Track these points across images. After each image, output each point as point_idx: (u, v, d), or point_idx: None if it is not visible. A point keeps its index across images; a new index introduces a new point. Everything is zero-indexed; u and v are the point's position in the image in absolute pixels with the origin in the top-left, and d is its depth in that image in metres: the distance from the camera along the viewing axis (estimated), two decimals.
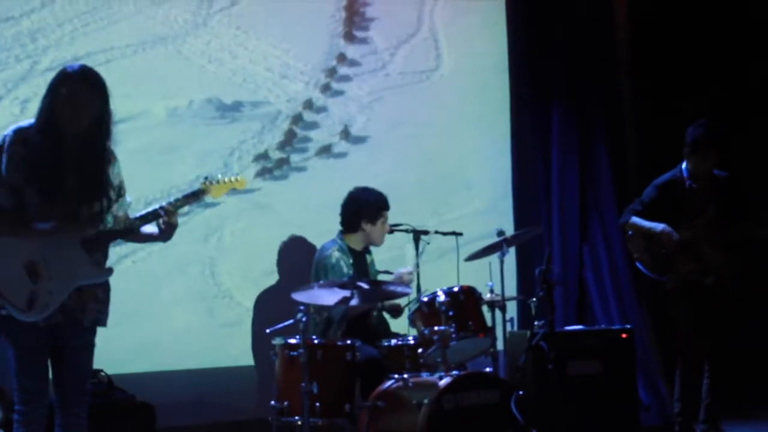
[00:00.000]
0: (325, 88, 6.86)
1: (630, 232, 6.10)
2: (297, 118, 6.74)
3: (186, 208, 4.34)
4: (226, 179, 4.28)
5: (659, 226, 5.92)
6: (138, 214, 4.14)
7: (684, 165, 5.99)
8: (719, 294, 5.84)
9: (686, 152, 5.96)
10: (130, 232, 4.15)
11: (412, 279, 5.62)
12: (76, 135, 4.02)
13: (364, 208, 5.76)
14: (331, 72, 6.90)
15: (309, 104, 6.81)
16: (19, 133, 4.00)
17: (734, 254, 5.90)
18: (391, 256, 6.30)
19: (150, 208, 4.13)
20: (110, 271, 4.12)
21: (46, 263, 3.95)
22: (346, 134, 6.89)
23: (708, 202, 5.92)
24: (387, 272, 5.89)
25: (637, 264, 6.11)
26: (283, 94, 6.72)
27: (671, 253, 5.89)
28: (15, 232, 3.93)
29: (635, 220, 6.04)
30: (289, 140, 6.71)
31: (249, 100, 6.60)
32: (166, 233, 4.13)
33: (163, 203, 4.14)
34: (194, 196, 4.22)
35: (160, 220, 4.11)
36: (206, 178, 4.27)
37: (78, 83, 4.01)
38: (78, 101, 3.98)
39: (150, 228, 4.17)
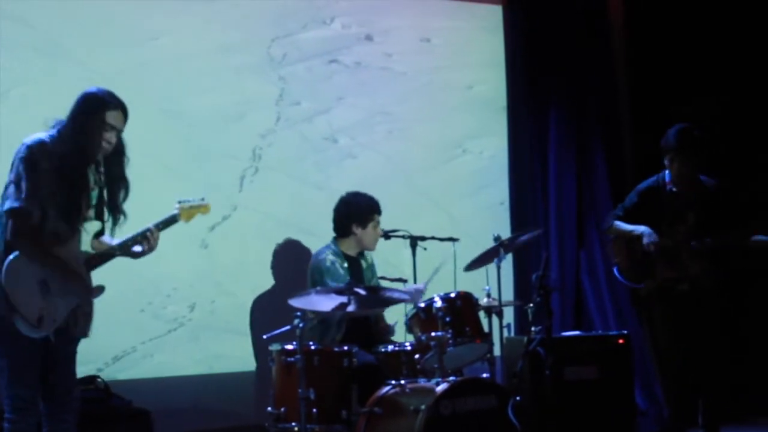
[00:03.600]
0: (321, 91, 6.84)
1: (612, 237, 6.10)
2: (287, 121, 6.72)
3: None
4: (194, 204, 4.48)
5: (640, 228, 5.91)
6: (128, 236, 4.31)
7: (666, 170, 5.97)
8: (694, 301, 5.81)
9: (664, 157, 5.93)
10: (122, 253, 4.33)
11: (422, 297, 5.60)
12: (97, 157, 4.21)
13: (354, 212, 5.77)
14: (326, 74, 6.87)
15: (303, 107, 6.80)
16: (42, 145, 4.10)
17: (713, 263, 5.86)
18: (387, 262, 6.31)
19: (138, 231, 4.31)
20: (103, 289, 4.27)
21: (54, 280, 4.06)
22: (340, 138, 6.89)
23: (689, 208, 5.88)
24: (384, 278, 5.89)
25: (614, 269, 6.10)
26: (275, 98, 6.70)
27: (651, 258, 5.88)
28: (40, 256, 4.05)
29: (617, 223, 6.03)
30: (283, 141, 6.70)
31: (235, 104, 6.58)
32: (146, 253, 4.35)
33: (150, 226, 4.33)
34: (171, 220, 4.42)
35: (144, 242, 4.30)
36: (179, 202, 4.46)
37: (120, 117, 4.22)
38: (117, 132, 4.21)
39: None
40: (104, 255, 4.27)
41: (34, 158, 4.05)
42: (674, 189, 5.90)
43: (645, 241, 5.85)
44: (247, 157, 6.54)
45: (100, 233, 4.31)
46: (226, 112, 6.53)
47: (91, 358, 5.94)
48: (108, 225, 4.30)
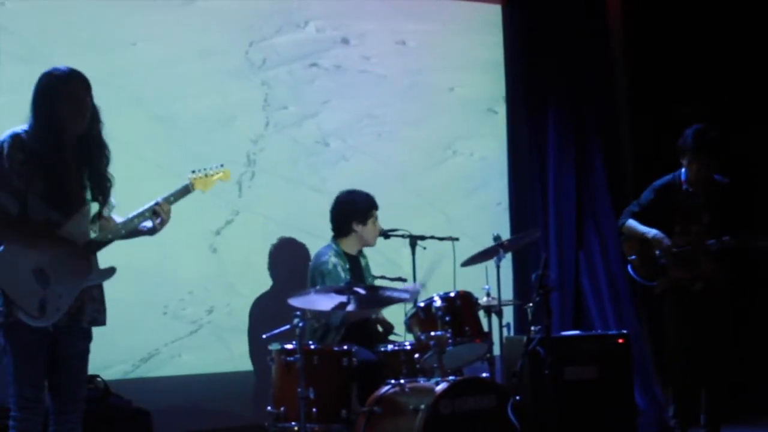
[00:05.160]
0: (306, 95, 6.82)
1: (626, 234, 6.13)
2: (276, 126, 6.71)
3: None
4: (211, 172, 4.40)
5: (651, 232, 5.94)
6: (134, 213, 4.21)
7: (683, 169, 5.99)
8: (708, 300, 5.83)
9: (681, 158, 5.96)
10: (131, 233, 4.23)
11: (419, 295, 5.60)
12: (75, 135, 4.09)
13: (353, 210, 5.77)
14: (308, 78, 6.84)
15: (290, 111, 6.78)
16: (16, 137, 4.04)
17: (727, 263, 5.88)
18: (386, 262, 6.32)
19: (145, 206, 4.21)
20: (113, 270, 4.19)
21: (50, 268, 3.99)
22: (331, 141, 6.88)
23: (704, 208, 5.90)
24: (383, 277, 5.89)
25: (628, 267, 6.13)
26: (261, 103, 6.68)
27: (664, 258, 5.89)
28: (25, 240, 3.97)
29: (631, 223, 6.07)
30: (277, 143, 6.70)
31: (230, 105, 6.58)
32: (158, 229, 4.23)
33: (159, 199, 4.22)
34: (184, 191, 4.31)
35: (155, 217, 4.19)
36: (192, 171, 4.37)
37: (75, 83, 4.09)
38: (80, 101, 4.07)
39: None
40: (106, 236, 4.15)
41: (2, 150, 3.98)
42: (690, 188, 5.93)
43: (656, 246, 5.88)
44: (242, 162, 6.54)
45: (98, 215, 4.18)
46: (216, 117, 6.52)
47: (121, 358, 6.08)
48: (98, 201, 4.17)
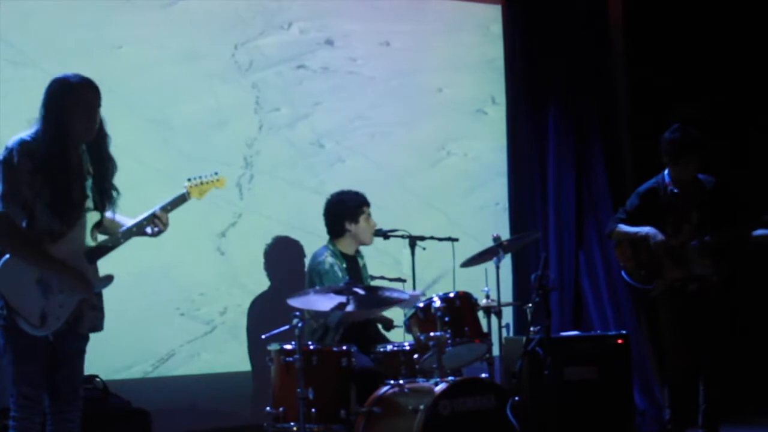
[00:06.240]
0: (296, 97, 6.80)
1: (616, 241, 6.10)
2: (271, 128, 6.70)
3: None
4: (206, 180, 4.41)
5: (644, 229, 5.92)
6: (133, 223, 4.24)
7: (666, 171, 5.98)
8: (703, 301, 5.82)
9: (665, 159, 5.94)
10: (129, 238, 4.25)
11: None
12: (81, 144, 4.11)
13: (343, 210, 5.78)
14: (297, 80, 6.82)
15: (282, 113, 6.77)
16: (24, 144, 4.02)
17: (722, 260, 5.87)
18: (391, 261, 6.32)
19: (143, 216, 4.24)
20: (111, 278, 4.21)
21: (52, 278, 4.03)
22: (325, 142, 6.87)
23: (692, 207, 5.89)
24: (383, 277, 5.89)
25: (622, 273, 6.11)
26: (252, 106, 6.67)
27: (658, 259, 5.88)
28: (32, 258, 3.99)
29: (621, 227, 6.03)
30: (275, 145, 6.70)
31: (229, 107, 6.58)
32: (158, 234, 4.26)
33: (156, 209, 4.24)
34: (180, 200, 4.33)
35: (154, 226, 4.22)
36: (189, 180, 4.39)
37: (87, 91, 4.09)
38: (91, 108, 4.08)
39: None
40: (106, 245, 4.17)
41: (12, 159, 3.97)
42: (675, 189, 5.91)
43: (651, 241, 5.86)
44: (239, 164, 6.53)
45: (99, 224, 4.20)
46: (209, 120, 6.50)
47: (141, 358, 6.13)
48: (106, 207, 4.21)
